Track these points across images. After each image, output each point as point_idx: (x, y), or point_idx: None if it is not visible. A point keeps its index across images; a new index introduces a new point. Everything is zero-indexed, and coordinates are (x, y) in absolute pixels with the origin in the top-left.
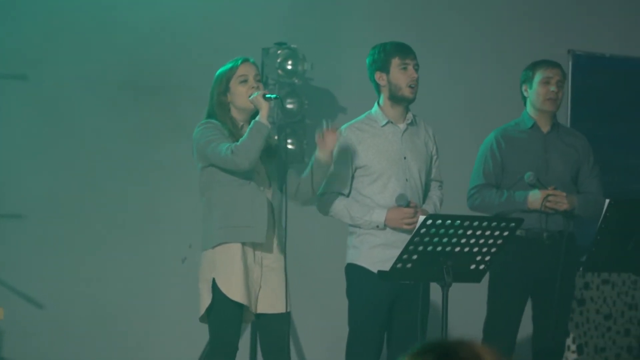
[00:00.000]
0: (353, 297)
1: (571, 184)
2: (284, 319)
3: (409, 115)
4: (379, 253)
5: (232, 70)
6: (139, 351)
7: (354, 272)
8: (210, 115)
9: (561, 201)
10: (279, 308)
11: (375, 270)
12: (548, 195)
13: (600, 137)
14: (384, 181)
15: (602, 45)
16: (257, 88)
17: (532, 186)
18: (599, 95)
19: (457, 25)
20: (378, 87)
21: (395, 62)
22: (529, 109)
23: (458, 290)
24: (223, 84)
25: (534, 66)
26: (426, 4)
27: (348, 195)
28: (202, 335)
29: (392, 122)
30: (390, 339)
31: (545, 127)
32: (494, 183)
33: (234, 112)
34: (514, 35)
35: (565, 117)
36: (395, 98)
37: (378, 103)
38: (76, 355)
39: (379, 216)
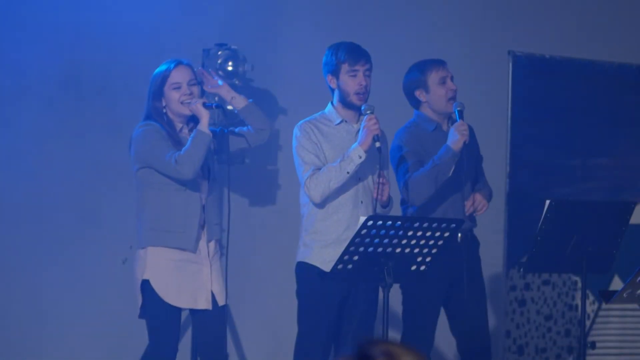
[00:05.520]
0: (303, 296)
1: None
2: (220, 313)
3: (362, 118)
4: (330, 252)
5: (165, 74)
6: (78, 352)
7: (305, 271)
8: (148, 115)
9: (483, 204)
10: (216, 302)
11: (326, 269)
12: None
13: (541, 138)
14: None
15: (542, 46)
16: (191, 94)
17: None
18: (539, 96)
19: (396, 26)
20: (331, 88)
21: (345, 68)
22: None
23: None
24: (157, 88)
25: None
26: (364, 5)
27: None
28: (143, 335)
29: (346, 121)
30: (340, 339)
31: (445, 126)
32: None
33: (171, 115)
34: (454, 36)
35: (505, 118)
36: (345, 102)
37: (332, 103)
38: (13, 356)
39: (354, 150)
